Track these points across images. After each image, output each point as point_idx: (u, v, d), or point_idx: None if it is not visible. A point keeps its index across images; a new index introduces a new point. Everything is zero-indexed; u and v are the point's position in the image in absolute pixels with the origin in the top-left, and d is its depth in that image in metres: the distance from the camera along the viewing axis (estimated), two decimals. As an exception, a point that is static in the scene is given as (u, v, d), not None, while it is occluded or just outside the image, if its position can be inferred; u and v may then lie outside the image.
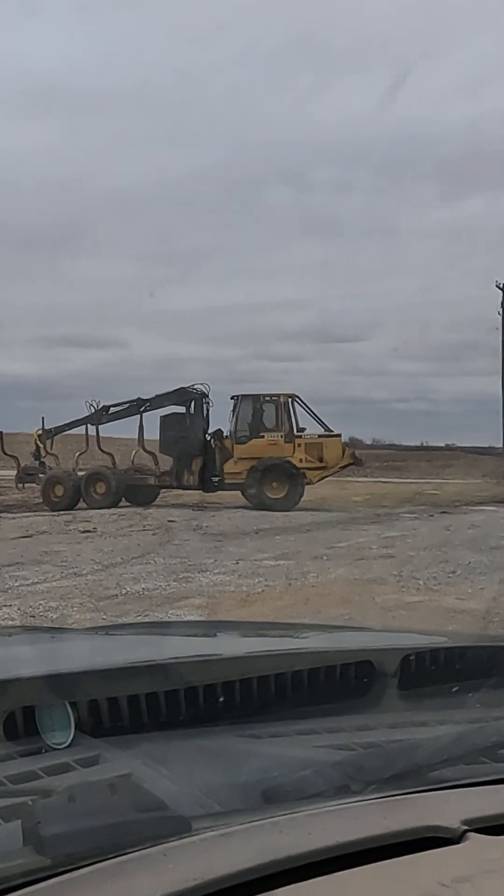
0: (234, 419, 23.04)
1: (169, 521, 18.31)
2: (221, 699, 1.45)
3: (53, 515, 19.81)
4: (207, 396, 23.20)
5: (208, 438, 22.93)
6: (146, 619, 7.93)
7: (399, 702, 1.61)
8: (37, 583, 10.28)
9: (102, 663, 1.64)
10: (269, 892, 0.87)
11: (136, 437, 23.50)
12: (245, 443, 22.36)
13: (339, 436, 23.32)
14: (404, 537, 15.40)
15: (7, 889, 0.87)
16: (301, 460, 22.13)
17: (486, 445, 48.49)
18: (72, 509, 21.24)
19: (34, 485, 23.35)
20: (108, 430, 23.96)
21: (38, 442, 23.73)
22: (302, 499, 21.85)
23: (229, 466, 22.30)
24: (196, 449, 22.60)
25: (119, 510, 20.80)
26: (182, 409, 23.23)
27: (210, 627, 3.46)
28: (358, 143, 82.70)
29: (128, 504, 22.15)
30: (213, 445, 22.73)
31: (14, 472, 24.34)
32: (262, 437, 22.38)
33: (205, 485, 22.55)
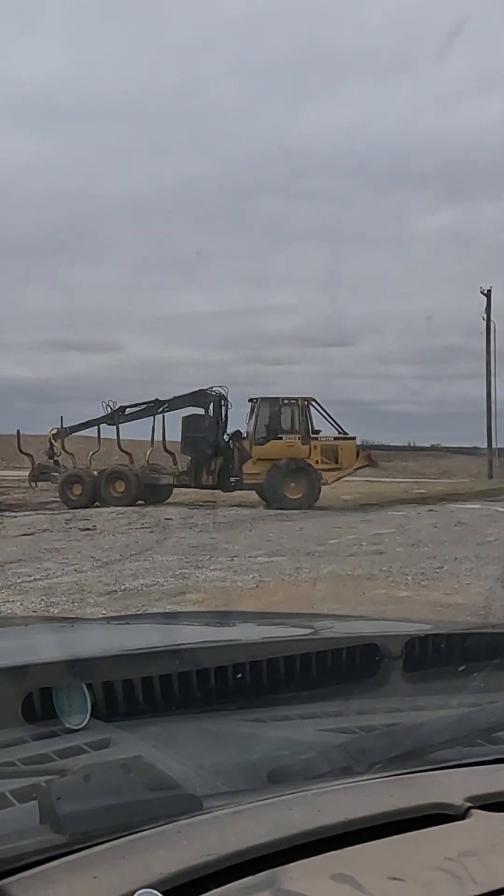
0: (252, 421, 23.06)
1: (166, 518, 18.30)
2: (229, 683, 1.45)
3: (54, 514, 19.76)
4: (226, 399, 23.29)
5: (227, 439, 22.96)
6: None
7: (403, 685, 1.61)
8: (38, 579, 10.25)
9: (115, 649, 1.63)
10: (280, 867, 0.86)
11: (149, 437, 23.49)
12: (263, 444, 22.40)
13: (353, 438, 23.36)
14: (393, 534, 15.41)
15: (26, 865, 0.87)
16: (317, 461, 22.21)
17: (471, 446, 48.78)
18: (89, 507, 21.18)
19: (50, 483, 23.30)
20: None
21: (53, 441, 23.69)
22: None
23: (248, 467, 22.35)
24: (215, 449, 22.61)
25: (117, 509, 20.76)
26: (200, 411, 23.22)
27: (219, 616, 3.48)
28: (344, 154, 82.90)
29: (140, 503, 22.11)
30: (232, 446, 22.76)
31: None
32: (280, 438, 22.42)
33: (223, 484, 22.56)
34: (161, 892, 0.81)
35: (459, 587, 9.76)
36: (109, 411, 23.23)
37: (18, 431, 24.97)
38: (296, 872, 0.85)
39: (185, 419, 23.08)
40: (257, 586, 9.87)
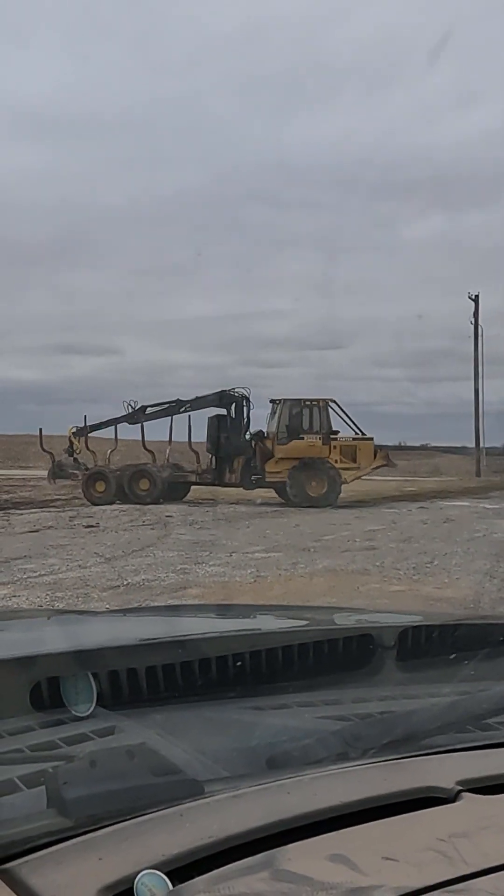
0: (275, 421, 23.07)
1: (167, 516, 18.29)
2: (230, 673, 1.45)
3: (59, 511, 19.74)
4: (248, 399, 23.30)
5: (249, 439, 22.97)
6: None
7: (397, 673, 1.61)
8: (43, 574, 10.24)
9: (119, 640, 1.64)
10: (277, 849, 0.87)
11: (163, 438, 23.39)
12: (286, 443, 22.41)
13: (371, 439, 23.35)
14: (385, 531, 15.42)
15: (34, 848, 0.87)
16: (337, 461, 22.25)
17: (460, 445, 48.83)
18: (112, 504, 21.14)
19: (69, 480, 23.21)
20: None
21: (74, 439, 23.62)
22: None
23: (270, 466, 22.39)
24: (238, 449, 22.65)
25: (119, 507, 20.75)
26: (223, 411, 23.21)
27: (219, 609, 3.48)
28: (336, 164, 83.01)
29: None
30: (254, 445, 22.76)
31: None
32: (302, 438, 22.46)
33: (245, 482, 22.58)
34: (164, 873, 0.81)
35: (450, 581, 9.77)
36: (131, 411, 23.18)
37: (41, 430, 25.03)
38: (293, 853, 0.86)
39: (211, 419, 23.14)
40: (255, 581, 9.87)
